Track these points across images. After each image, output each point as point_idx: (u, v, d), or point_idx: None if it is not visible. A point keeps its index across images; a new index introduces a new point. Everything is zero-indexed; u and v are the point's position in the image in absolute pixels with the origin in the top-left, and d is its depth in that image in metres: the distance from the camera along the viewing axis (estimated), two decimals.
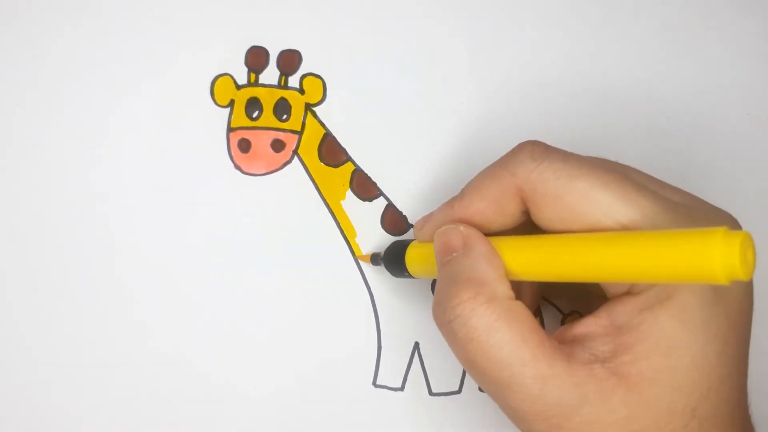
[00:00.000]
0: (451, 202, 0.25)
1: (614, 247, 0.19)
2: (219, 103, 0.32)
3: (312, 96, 0.32)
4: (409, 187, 0.32)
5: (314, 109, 0.32)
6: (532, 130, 0.32)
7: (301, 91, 0.32)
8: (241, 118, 0.32)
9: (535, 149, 0.23)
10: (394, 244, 0.29)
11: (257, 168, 0.32)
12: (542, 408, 0.21)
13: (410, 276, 0.28)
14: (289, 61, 0.33)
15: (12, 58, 0.32)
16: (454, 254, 0.23)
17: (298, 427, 0.30)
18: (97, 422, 0.30)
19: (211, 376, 0.30)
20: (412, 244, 0.28)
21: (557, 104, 0.33)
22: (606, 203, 0.21)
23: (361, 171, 0.32)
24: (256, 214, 0.31)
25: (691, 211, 0.22)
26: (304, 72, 0.33)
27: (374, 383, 0.31)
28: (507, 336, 0.21)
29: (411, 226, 0.32)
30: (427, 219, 0.27)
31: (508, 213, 0.24)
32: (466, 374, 0.31)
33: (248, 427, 0.30)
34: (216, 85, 0.32)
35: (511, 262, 0.23)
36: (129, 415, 0.30)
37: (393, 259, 0.29)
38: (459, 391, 0.31)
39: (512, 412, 0.22)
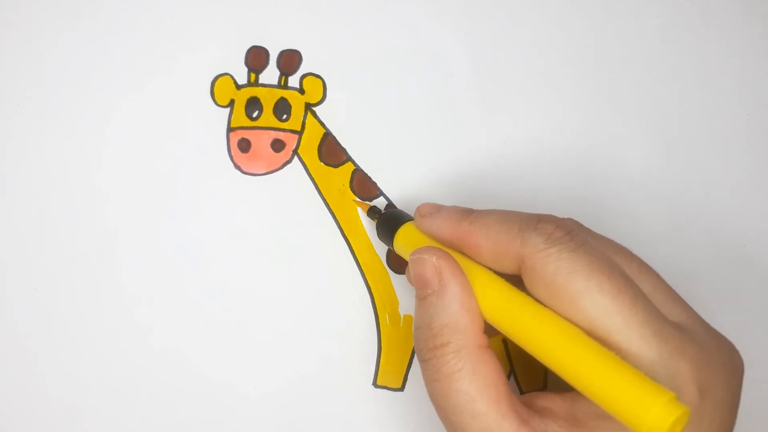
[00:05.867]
0: (463, 216, 0.25)
1: (580, 355, 0.20)
2: (219, 102, 0.32)
3: (312, 96, 0.32)
4: (409, 187, 0.32)
5: (314, 109, 0.32)
6: (531, 131, 0.32)
7: (301, 91, 0.32)
8: (241, 118, 0.32)
9: (556, 232, 0.22)
10: (391, 215, 0.29)
11: (257, 168, 0.32)
12: None
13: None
14: (290, 61, 0.33)
15: (12, 58, 0.32)
16: (429, 291, 0.24)
17: (298, 427, 0.30)
18: (98, 422, 0.30)
19: (211, 376, 0.30)
20: (407, 225, 0.28)
21: (557, 104, 0.33)
22: (594, 312, 0.21)
23: (361, 171, 0.32)
24: (256, 214, 0.31)
25: (684, 340, 0.21)
26: (304, 72, 0.33)
27: (374, 383, 0.31)
28: (465, 386, 0.22)
29: None
30: (434, 211, 0.26)
31: (503, 266, 0.24)
32: None
33: (248, 427, 0.30)
34: (216, 84, 0.32)
35: (485, 306, 0.23)
36: (129, 414, 0.30)
37: (385, 229, 0.29)
38: None
39: None
